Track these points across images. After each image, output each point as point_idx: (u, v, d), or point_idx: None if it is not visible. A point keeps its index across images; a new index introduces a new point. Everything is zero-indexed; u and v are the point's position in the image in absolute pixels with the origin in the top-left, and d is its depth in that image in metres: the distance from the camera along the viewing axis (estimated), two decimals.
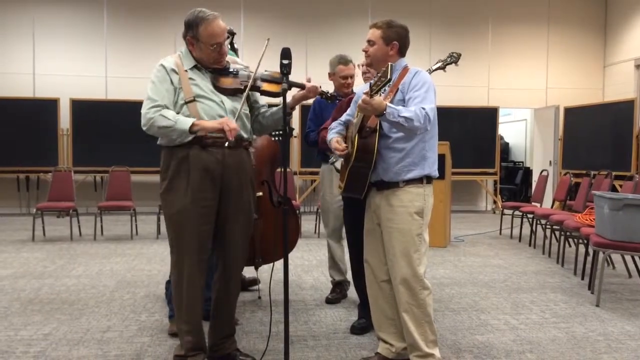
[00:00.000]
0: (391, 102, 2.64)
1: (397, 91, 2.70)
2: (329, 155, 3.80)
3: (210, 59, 2.69)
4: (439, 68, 3.57)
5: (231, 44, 3.82)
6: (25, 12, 9.36)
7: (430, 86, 2.69)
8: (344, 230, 3.67)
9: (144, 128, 2.61)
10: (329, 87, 4.16)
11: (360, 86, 3.12)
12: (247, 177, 2.80)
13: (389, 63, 2.52)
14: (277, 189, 3.69)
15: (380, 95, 2.52)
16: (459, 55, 3.43)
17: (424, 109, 2.56)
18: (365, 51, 2.83)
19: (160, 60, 2.70)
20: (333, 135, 2.92)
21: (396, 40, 2.78)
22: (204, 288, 2.82)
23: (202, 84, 2.68)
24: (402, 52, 2.83)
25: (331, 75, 4.04)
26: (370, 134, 2.66)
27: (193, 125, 2.53)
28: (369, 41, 2.81)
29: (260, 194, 3.55)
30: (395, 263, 2.69)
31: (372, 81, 2.54)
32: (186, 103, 2.62)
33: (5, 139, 8.80)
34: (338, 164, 3.09)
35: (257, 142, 3.69)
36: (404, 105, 2.64)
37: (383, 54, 2.78)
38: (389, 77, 2.44)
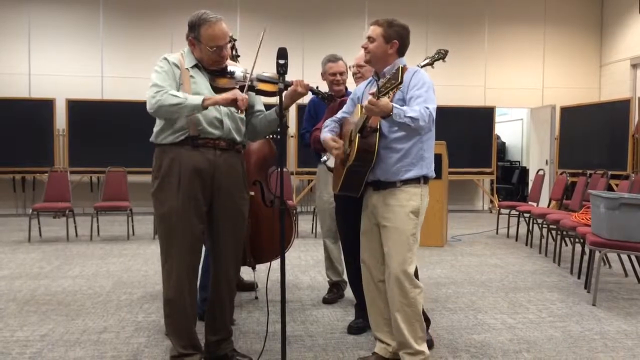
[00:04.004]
0: (391, 101, 2.63)
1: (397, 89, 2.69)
2: (321, 155, 3.79)
3: (210, 61, 2.70)
4: (427, 64, 3.56)
5: (233, 48, 3.80)
6: (21, 12, 9.33)
7: (431, 86, 2.69)
8: None
9: (151, 111, 2.57)
10: (324, 88, 4.17)
11: (359, 85, 3.08)
12: (239, 179, 2.80)
13: (400, 65, 2.48)
14: (270, 188, 3.68)
15: (388, 97, 2.50)
16: (446, 51, 3.44)
17: (427, 108, 2.56)
18: (365, 47, 2.81)
19: (164, 54, 2.72)
20: (327, 134, 2.91)
21: (396, 39, 2.76)
22: (199, 288, 2.82)
23: (202, 83, 2.69)
24: (401, 52, 2.81)
25: (323, 75, 4.04)
26: (370, 133, 2.65)
27: (205, 100, 2.54)
28: (369, 38, 2.78)
29: (252, 193, 3.55)
30: (390, 262, 2.69)
31: (380, 82, 2.52)
32: None
33: (1, 139, 8.75)
34: (330, 163, 3.07)
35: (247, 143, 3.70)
36: (402, 104, 2.63)
37: (382, 52, 2.76)
38: (400, 80, 2.40)
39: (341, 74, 3.93)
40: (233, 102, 2.56)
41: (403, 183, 2.70)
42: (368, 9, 10.13)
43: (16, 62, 9.35)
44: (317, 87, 2.89)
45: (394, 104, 2.49)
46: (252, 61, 2.74)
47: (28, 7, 9.34)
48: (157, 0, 9.67)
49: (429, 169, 2.76)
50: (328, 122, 3.03)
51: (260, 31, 2.68)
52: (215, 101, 2.56)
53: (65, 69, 9.42)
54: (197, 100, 2.53)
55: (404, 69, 2.70)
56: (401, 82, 2.43)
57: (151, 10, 9.68)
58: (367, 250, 2.87)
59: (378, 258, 2.82)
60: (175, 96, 2.53)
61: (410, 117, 2.49)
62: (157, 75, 2.62)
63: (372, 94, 2.47)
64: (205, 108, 2.56)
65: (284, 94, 2.72)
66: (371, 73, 3.30)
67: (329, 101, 3.16)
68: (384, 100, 2.46)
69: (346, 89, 4.02)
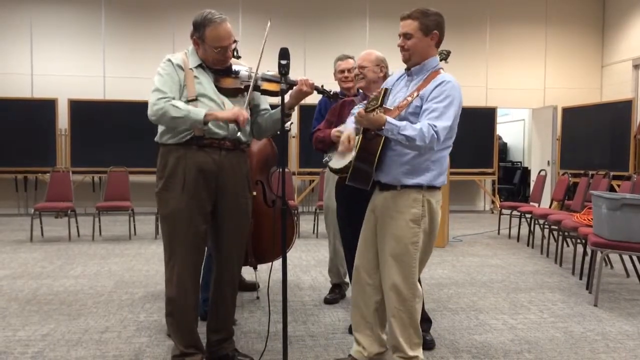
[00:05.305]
0: (408, 107, 2.55)
1: (417, 96, 2.56)
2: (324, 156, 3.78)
3: (214, 61, 2.70)
4: None
5: (234, 50, 3.80)
6: (23, 13, 9.34)
7: (453, 101, 2.53)
8: None
9: (152, 118, 2.58)
10: (331, 87, 4.18)
11: (392, 76, 2.92)
12: (243, 179, 2.80)
13: (385, 88, 2.41)
14: (272, 188, 3.68)
15: (377, 112, 2.40)
16: (449, 52, 3.41)
17: (434, 127, 2.42)
18: (402, 46, 2.63)
19: (167, 55, 2.72)
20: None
21: (436, 29, 2.60)
22: (201, 288, 2.81)
23: (206, 83, 2.69)
24: (440, 43, 2.67)
25: (334, 75, 4.05)
26: (374, 136, 2.58)
27: (206, 115, 2.55)
28: (405, 35, 2.60)
29: (254, 193, 3.55)
30: (386, 268, 2.62)
31: (372, 96, 2.48)
32: (189, 101, 2.63)
33: (3, 139, 8.77)
34: (332, 164, 3.05)
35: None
36: (419, 111, 2.53)
37: (424, 46, 2.61)
38: (379, 103, 2.37)
39: (349, 70, 3.94)
40: (234, 121, 2.58)
41: (403, 187, 2.60)
42: (369, 9, 10.14)
43: (18, 62, 9.36)
44: (322, 86, 2.87)
45: (389, 119, 2.41)
46: (254, 60, 2.74)
47: (30, 7, 9.35)
48: (158, 0, 9.68)
49: (435, 181, 2.61)
50: (356, 108, 2.90)
51: (263, 31, 2.68)
52: (216, 117, 2.58)
53: (67, 69, 9.43)
54: (199, 115, 2.53)
55: (437, 71, 2.60)
56: (381, 105, 2.38)
57: (153, 10, 9.69)
58: (362, 249, 2.80)
59: (370, 259, 2.75)
60: (178, 108, 2.53)
61: (404, 136, 2.39)
62: (159, 80, 2.62)
63: (368, 102, 2.43)
64: (206, 124, 2.56)
65: (289, 93, 2.72)
66: (374, 74, 3.29)
67: (334, 100, 3.14)
68: (378, 113, 2.40)
69: (358, 90, 4.01)
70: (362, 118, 2.42)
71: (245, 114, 2.58)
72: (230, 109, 2.64)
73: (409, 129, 2.41)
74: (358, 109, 2.88)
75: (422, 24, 2.59)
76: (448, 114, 2.50)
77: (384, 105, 2.44)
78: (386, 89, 2.44)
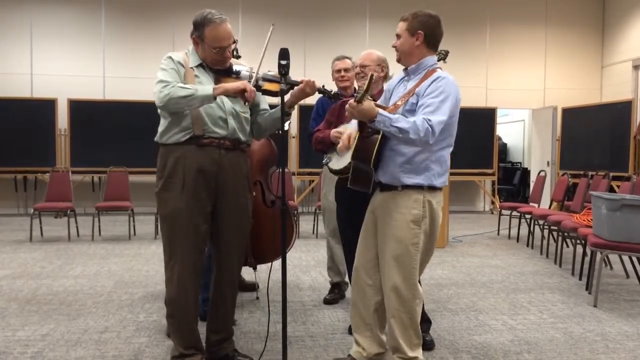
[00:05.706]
0: (405, 105, 2.55)
1: (413, 94, 2.57)
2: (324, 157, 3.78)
3: (213, 61, 2.71)
4: None
5: (233, 50, 3.81)
6: (23, 13, 9.34)
7: (449, 96, 2.51)
8: None
9: (160, 104, 2.56)
10: (332, 87, 4.18)
11: (391, 80, 2.95)
12: (243, 179, 2.80)
13: (371, 73, 2.43)
14: (271, 189, 3.68)
15: (365, 100, 2.41)
16: (447, 52, 3.40)
17: (429, 120, 2.41)
18: (395, 47, 2.70)
19: (167, 53, 2.73)
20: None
21: (421, 29, 2.60)
22: (201, 288, 2.82)
23: (207, 83, 2.69)
24: (430, 43, 2.64)
25: (332, 75, 4.05)
26: (371, 134, 2.58)
27: (215, 89, 2.55)
28: (397, 35, 2.67)
29: (254, 194, 3.55)
30: (387, 269, 2.62)
31: (359, 85, 2.51)
32: None
33: (3, 139, 8.77)
34: (332, 164, 3.05)
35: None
36: (415, 109, 2.53)
37: (409, 46, 2.63)
38: (366, 88, 2.37)
39: (346, 70, 3.95)
40: (242, 92, 2.57)
41: (404, 187, 2.59)
42: (369, 10, 10.14)
43: (18, 62, 9.36)
44: (323, 86, 2.87)
45: (381, 111, 2.40)
46: (254, 61, 2.74)
47: (30, 7, 9.35)
48: (158, 0, 9.68)
49: (436, 181, 2.59)
50: None
51: (263, 31, 2.67)
52: (225, 89, 2.58)
53: (67, 69, 9.43)
54: (207, 90, 2.54)
55: (433, 70, 2.60)
56: (367, 91, 2.38)
57: (153, 10, 9.69)
58: (362, 250, 2.80)
59: (370, 259, 2.74)
60: (185, 88, 2.54)
61: (397, 128, 2.38)
62: (163, 73, 2.62)
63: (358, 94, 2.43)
64: (215, 98, 2.57)
65: (290, 92, 2.71)
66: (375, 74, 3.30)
67: (335, 100, 3.14)
68: (367, 104, 2.39)
69: (355, 89, 4.02)
70: (353, 109, 2.42)
71: (252, 87, 2.58)
72: (238, 82, 2.63)
73: (402, 121, 2.41)
74: None
75: (409, 25, 2.64)
76: (443, 108, 2.49)
77: (370, 95, 2.44)
78: (372, 75, 2.43)
